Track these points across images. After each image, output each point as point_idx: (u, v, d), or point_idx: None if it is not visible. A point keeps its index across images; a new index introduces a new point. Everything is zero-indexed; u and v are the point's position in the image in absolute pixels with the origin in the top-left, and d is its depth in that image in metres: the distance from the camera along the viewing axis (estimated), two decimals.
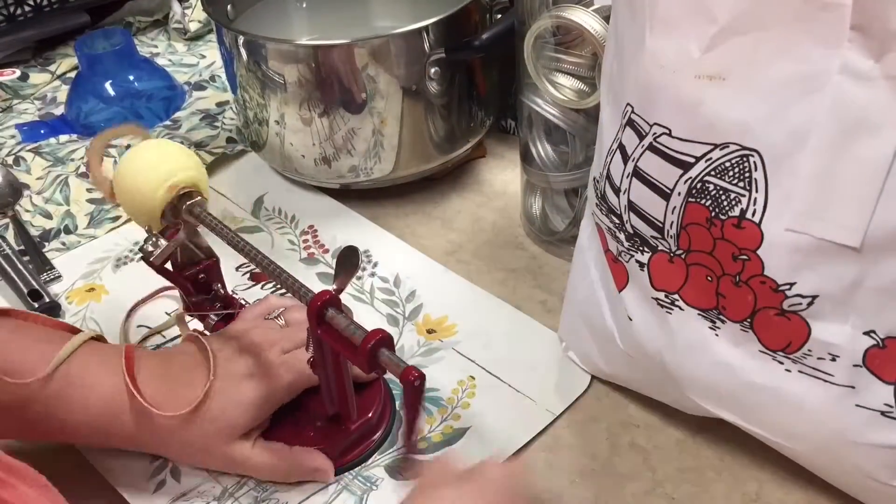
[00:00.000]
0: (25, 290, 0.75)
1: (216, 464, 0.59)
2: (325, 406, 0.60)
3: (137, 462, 0.61)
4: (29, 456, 0.61)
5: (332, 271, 0.76)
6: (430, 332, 0.71)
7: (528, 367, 0.66)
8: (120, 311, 0.74)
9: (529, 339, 0.69)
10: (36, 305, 0.74)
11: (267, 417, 0.59)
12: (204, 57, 1.12)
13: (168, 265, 0.63)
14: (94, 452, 0.62)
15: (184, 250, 0.62)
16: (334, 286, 0.55)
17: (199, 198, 0.60)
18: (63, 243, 0.83)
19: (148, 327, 0.73)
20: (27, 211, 0.87)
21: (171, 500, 0.59)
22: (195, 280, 0.63)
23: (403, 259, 0.78)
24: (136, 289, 0.76)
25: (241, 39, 0.78)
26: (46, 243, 0.83)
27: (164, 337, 0.72)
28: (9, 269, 0.77)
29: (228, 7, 0.88)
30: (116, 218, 0.85)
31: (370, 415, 0.61)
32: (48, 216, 0.86)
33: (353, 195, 0.86)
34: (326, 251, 0.80)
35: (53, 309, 0.75)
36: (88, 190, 0.89)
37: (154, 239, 0.61)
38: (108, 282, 0.77)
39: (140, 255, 0.65)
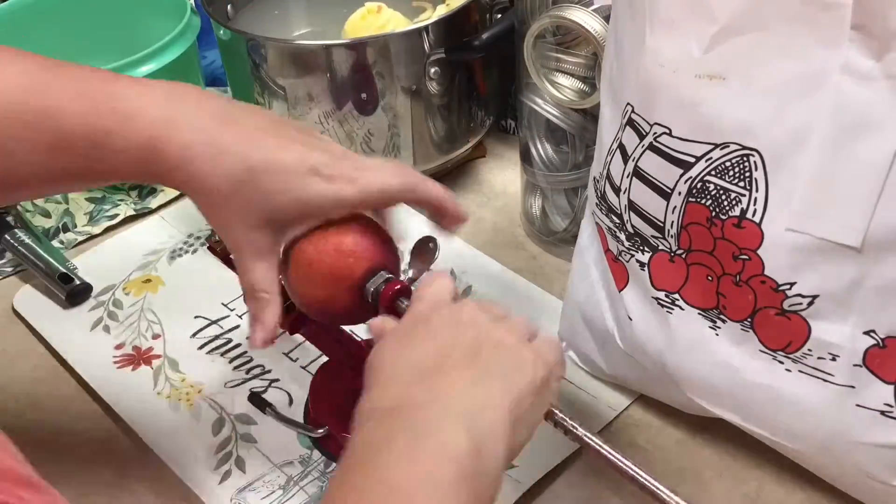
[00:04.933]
0: (55, 275, 0.76)
1: (225, 241, 0.51)
2: None
3: (203, 454, 0.62)
4: (94, 448, 0.63)
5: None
6: None
7: None
8: (176, 302, 0.75)
9: None
10: (68, 288, 0.75)
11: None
12: (204, 57, 1.12)
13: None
14: (160, 444, 0.62)
15: None
16: (410, 275, 0.55)
17: None
18: (62, 241, 0.83)
19: (207, 318, 0.73)
20: (27, 211, 0.87)
21: (236, 490, 0.59)
22: None
23: (459, 254, 0.78)
24: (191, 280, 0.77)
25: (241, 39, 0.78)
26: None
27: (220, 328, 0.72)
28: (33, 257, 0.78)
29: (228, 7, 0.88)
30: (114, 216, 0.85)
31: None
32: (47, 215, 0.86)
33: None
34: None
35: (86, 290, 0.76)
36: (87, 189, 0.89)
37: None
38: (163, 273, 0.78)
39: (201, 245, 0.67)
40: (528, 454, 0.60)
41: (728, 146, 0.47)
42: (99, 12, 0.94)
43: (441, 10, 0.84)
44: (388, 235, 0.53)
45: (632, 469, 0.45)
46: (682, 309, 0.53)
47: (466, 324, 0.45)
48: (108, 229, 0.84)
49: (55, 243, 0.83)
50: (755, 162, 0.46)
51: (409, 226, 0.79)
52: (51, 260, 0.77)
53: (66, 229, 0.84)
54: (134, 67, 0.80)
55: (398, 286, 0.52)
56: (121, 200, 0.87)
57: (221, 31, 0.81)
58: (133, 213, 0.86)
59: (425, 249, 0.56)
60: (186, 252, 0.80)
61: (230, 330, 0.72)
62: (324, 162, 0.49)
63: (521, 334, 0.46)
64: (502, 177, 0.88)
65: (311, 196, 0.48)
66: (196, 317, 0.73)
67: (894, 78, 0.42)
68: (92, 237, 0.84)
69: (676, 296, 0.53)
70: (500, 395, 0.43)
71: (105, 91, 0.49)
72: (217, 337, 0.71)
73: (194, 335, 0.72)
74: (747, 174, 0.47)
